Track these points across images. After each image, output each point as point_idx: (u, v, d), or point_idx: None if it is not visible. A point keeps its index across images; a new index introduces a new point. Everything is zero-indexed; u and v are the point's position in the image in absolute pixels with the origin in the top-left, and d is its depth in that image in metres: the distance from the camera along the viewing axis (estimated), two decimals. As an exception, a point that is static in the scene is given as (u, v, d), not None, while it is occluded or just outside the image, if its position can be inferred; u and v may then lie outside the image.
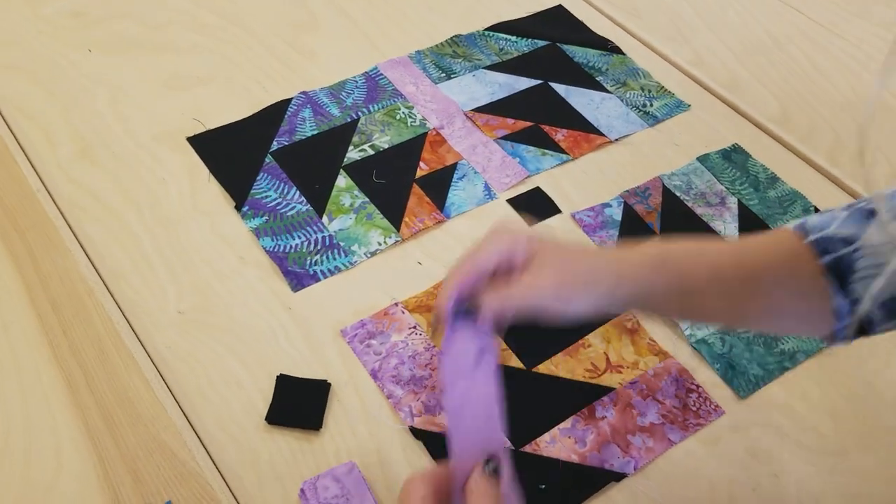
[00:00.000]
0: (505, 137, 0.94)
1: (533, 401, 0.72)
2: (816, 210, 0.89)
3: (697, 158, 0.93)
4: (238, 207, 0.84)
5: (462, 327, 0.54)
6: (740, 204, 0.89)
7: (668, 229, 0.86)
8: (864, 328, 0.55)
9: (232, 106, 0.94)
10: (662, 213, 0.87)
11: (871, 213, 0.55)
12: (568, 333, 0.76)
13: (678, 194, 0.89)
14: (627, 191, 0.89)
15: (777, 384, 0.75)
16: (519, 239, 0.55)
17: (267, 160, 0.89)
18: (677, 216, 0.87)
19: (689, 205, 0.88)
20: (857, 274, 0.54)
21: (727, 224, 0.87)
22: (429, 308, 0.77)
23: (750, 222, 0.87)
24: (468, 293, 0.54)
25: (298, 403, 0.70)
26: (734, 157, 0.94)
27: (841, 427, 0.72)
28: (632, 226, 0.86)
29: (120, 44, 1.00)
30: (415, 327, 0.76)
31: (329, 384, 0.71)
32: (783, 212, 0.88)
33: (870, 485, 0.69)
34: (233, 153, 0.89)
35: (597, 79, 1.02)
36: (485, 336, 0.53)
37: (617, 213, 0.87)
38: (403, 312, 0.77)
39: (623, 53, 1.06)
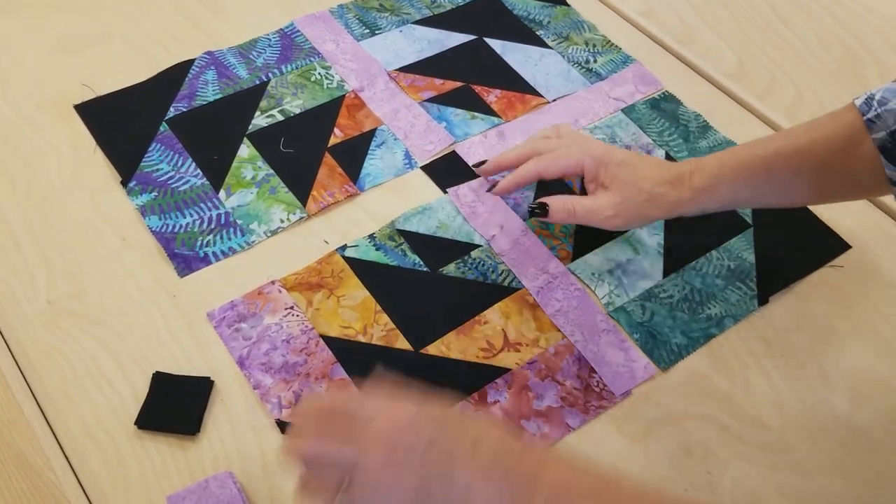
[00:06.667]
0: (431, 100, 0.85)
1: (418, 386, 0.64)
2: None
3: (622, 110, 0.85)
4: (124, 182, 0.75)
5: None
6: (668, 157, 0.81)
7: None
8: None
9: (129, 69, 0.85)
10: None
11: None
12: (462, 310, 0.68)
13: None
14: None
15: (709, 365, 0.67)
16: (589, 159, 0.67)
17: (161, 129, 0.80)
18: None
19: None
20: None
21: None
22: (310, 286, 0.69)
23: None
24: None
25: (174, 404, 0.62)
26: (664, 105, 0.86)
27: (784, 417, 0.65)
28: (549, 184, 0.78)
29: (9, 2, 0.90)
30: (292, 307, 0.68)
31: (212, 382, 0.64)
32: None
33: (813, 482, 0.62)
34: (124, 122, 0.80)
35: (537, 33, 0.93)
36: None
37: (533, 171, 0.79)
38: (280, 291, 0.69)
39: (567, 4, 0.96)
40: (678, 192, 0.65)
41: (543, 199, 0.68)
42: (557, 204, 0.67)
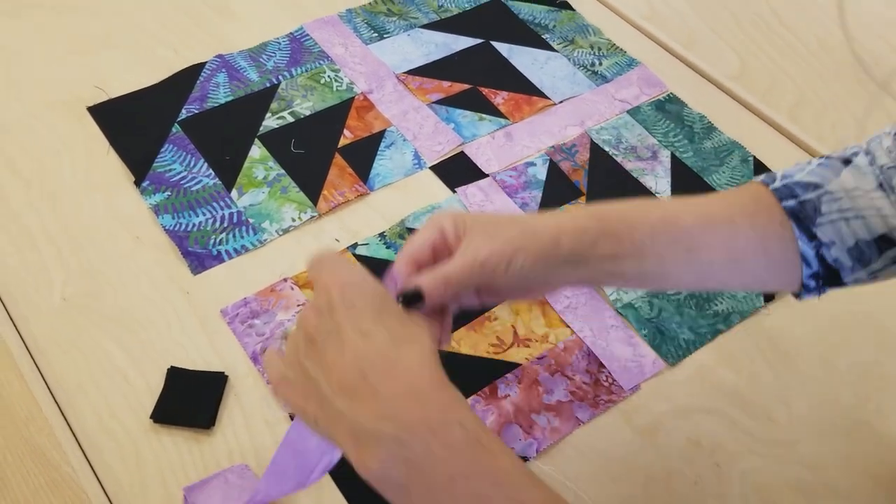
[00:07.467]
0: (439, 102, 0.86)
1: None
2: (755, 159, 0.83)
3: (628, 111, 0.86)
4: (138, 182, 0.76)
5: None
6: (673, 157, 0.83)
7: (595, 187, 0.80)
8: (835, 277, 0.50)
9: (140, 72, 0.86)
10: (590, 170, 0.81)
11: (847, 161, 0.51)
12: None
13: (607, 149, 0.83)
14: (553, 147, 0.83)
15: (716, 360, 0.68)
16: (445, 217, 0.50)
17: (174, 130, 0.81)
18: (606, 172, 0.81)
19: (619, 160, 0.82)
20: (823, 217, 0.49)
21: (659, 179, 0.81)
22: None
23: (683, 176, 0.81)
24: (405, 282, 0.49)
25: (189, 399, 0.63)
26: (668, 107, 0.87)
27: (791, 411, 0.66)
28: (557, 185, 0.79)
29: (19, 5, 0.92)
30: (304, 304, 0.68)
31: (226, 376, 0.64)
32: (719, 163, 0.82)
33: (820, 475, 0.63)
34: (137, 123, 0.81)
35: (543, 37, 0.94)
36: None
37: (541, 171, 0.80)
38: (293, 288, 0.69)
39: (572, 9, 0.98)
40: (553, 217, 0.50)
41: (412, 284, 0.48)
42: (427, 280, 0.48)
